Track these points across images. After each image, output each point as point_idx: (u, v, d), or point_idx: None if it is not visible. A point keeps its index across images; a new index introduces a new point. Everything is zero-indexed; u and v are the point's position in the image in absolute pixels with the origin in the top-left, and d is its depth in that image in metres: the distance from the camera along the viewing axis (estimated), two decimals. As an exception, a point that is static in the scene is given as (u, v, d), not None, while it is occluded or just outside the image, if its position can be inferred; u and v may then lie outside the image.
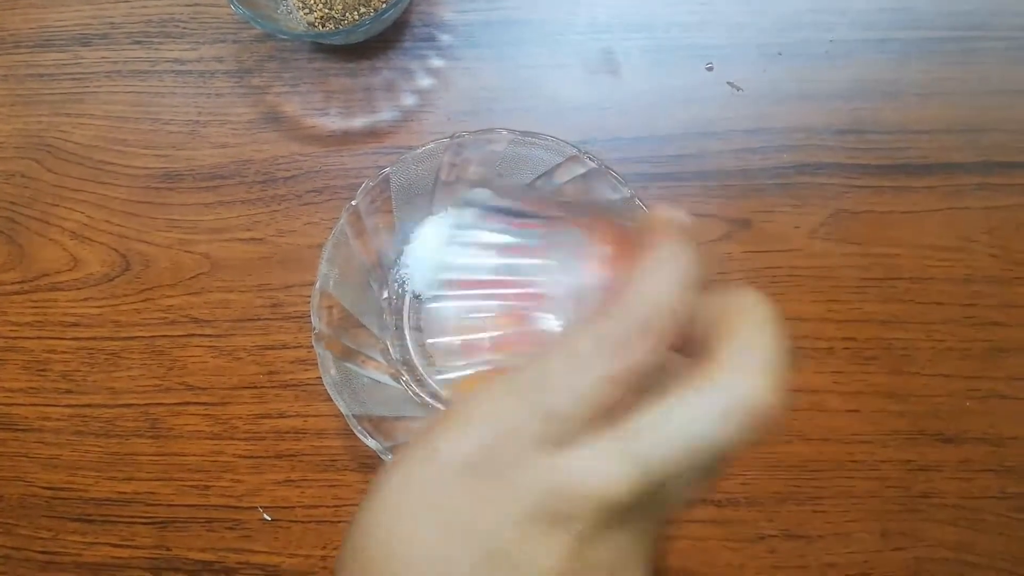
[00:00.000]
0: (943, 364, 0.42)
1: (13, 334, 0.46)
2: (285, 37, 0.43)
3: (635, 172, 0.44)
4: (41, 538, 0.44)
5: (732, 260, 0.43)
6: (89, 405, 0.45)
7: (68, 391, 0.45)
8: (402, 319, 0.43)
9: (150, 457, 0.44)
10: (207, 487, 0.44)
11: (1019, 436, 0.41)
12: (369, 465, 0.43)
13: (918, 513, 0.41)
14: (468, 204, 0.21)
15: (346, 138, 0.46)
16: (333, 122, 0.46)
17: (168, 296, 0.45)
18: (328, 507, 0.43)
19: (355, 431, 0.37)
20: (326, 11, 0.46)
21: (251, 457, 0.44)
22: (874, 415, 0.42)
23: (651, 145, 0.45)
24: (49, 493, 0.45)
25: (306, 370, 0.44)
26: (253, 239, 0.45)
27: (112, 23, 0.48)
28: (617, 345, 0.17)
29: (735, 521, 0.41)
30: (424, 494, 0.17)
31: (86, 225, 0.46)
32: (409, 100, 0.46)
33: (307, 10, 0.46)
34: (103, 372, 0.45)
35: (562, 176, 0.41)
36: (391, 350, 0.42)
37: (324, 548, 0.43)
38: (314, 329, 0.39)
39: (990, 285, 0.43)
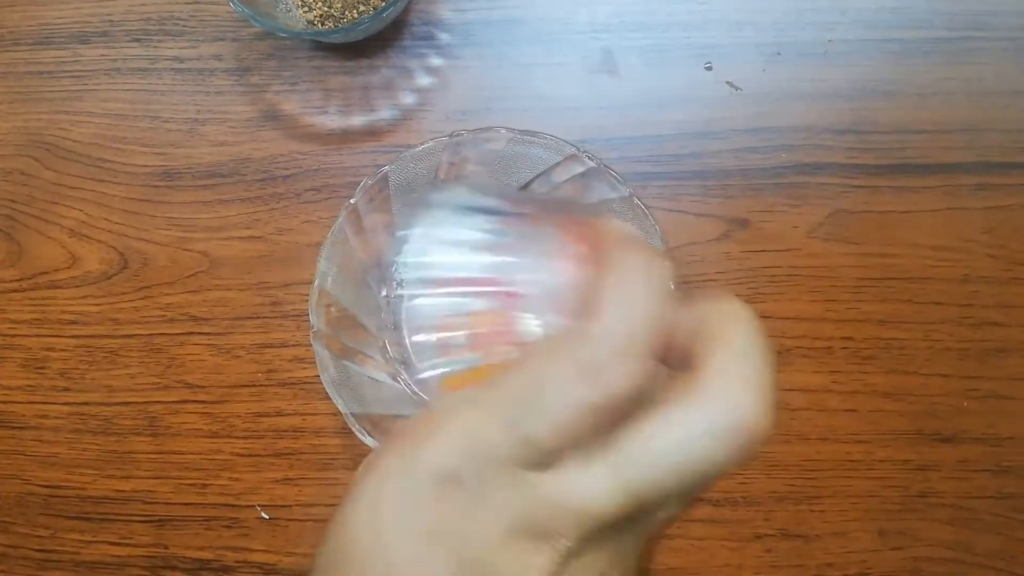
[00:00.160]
0: (941, 364, 0.42)
1: (11, 332, 0.46)
2: (284, 35, 0.43)
3: (634, 171, 0.44)
4: (39, 536, 0.44)
5: (731, 260, 0.43)
6: (87, 403, 0.45)
7: (66, 389, 0.45)
8: (400, 317, 0.43)
9: (148, 455, 0.44)
10: (205, 485, 0.44)
11: (1017, 436, 0.41)
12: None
13: (916, 513, 0.41)
14: (442, 203, 0.21)
15: (345, 136, 0.46)
16: (332, 120, 0.46)
17: (167, 294, 0.45)
18: (326, 506, 0.43)
19: (353, 429, 0.37)
20: (325, 9, 0.46)
21: (249, 455, 0.44)
22: (872, 415, 0.42)
23: (650, 144, 0.45)
24: (47, 491, 0.45)
25: (304, 368, 0.44)
26: (252, 237, 0.45)
27: (111, 21, 0.48)
28: (596, 371, 0.16)
29: (733, 520, 0.41)
30: (404, 502, 0.17)
31: (85, 223, 0.46)
32: (408, 99, 0.46)
33: (306, 8, 0.46)
34: (101, 370, 0.45)
35: (561, 175, 0.41)
36: (389, 348, 0.42)
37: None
38: (312, 327, 0.39)
39: (988, 285, 0.43)
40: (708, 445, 0.16)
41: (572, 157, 0.40)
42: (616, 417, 0.17)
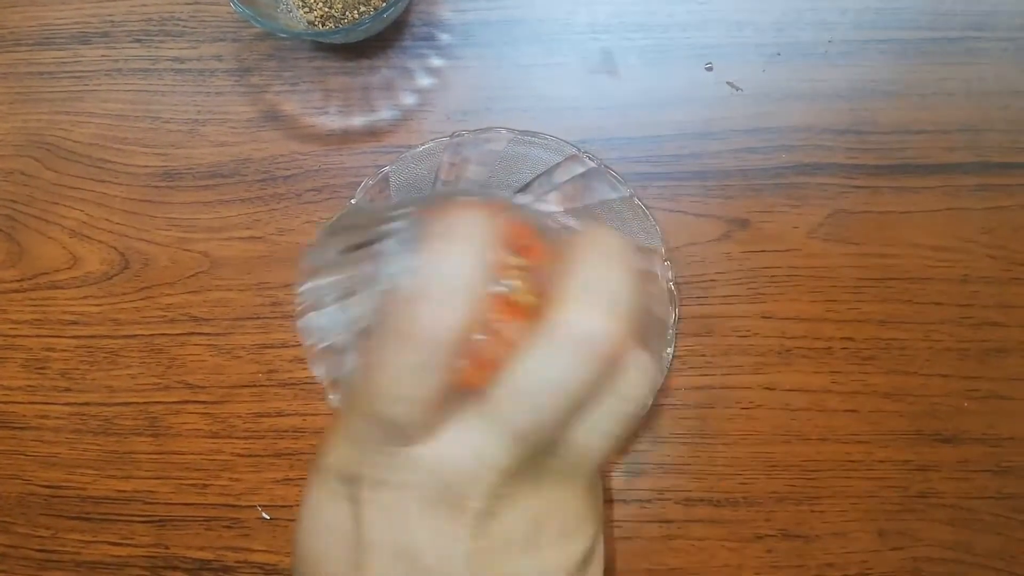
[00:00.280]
0: (941, 364, 0.42)
1: (12, 332, 0.46)
2: (285, 36, 0.43)
3: (634, 171, 0.44)
4: (39, 536, 0.44)
5: (731, 260, 0.43)
6: (88, 403, 0.45)
7: (67, 389, 0.45)
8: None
9: (149, 455, 0.44)
10: (206, 486, 0.44)
11: (1017, 436, 0.41)
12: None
13: (916, 513, 0.41)
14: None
15: (345, 137, 0.46)
16: (333, 121, 0.46)
17: (167, 294, 0.45)
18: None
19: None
20: (326, 10, 0.46)
21: (250, 456, 0.44)
22: (872, 415, 0.42)
23: (650, 144, 0.45)
24: (47, 491, 0.45)
25: (305, 369, 0.44)
26: (252, 237, 0.45)
27: (112, 21, 0.48)
28: (413, 333, 0.16)
29: (733, 521, 0.41)
30: (319, 510, 0.18)
31: (85, 223, 0.46)
32: (408, 99, 0.46)
33: (307, 9, 0.46)
34: (102, 370, 0.45)
35: (561, 175, 0.41)
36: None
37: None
38: (313, 328, 0.39)
39: (988, 285, 0.43)
40: (560, 363, 0.16)
41: (573, 157, 0.40)
42: (485, 368, 0.17)
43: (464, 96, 0.46)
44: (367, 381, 0.17)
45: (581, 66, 0.46)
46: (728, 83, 0.45)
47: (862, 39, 0.45)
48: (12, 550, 0.44)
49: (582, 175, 0.40)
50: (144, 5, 0.48)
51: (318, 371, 0.21)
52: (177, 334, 0.45)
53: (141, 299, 0.45)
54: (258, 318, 0.45)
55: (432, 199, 0.23)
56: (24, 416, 0.45)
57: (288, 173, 0.46)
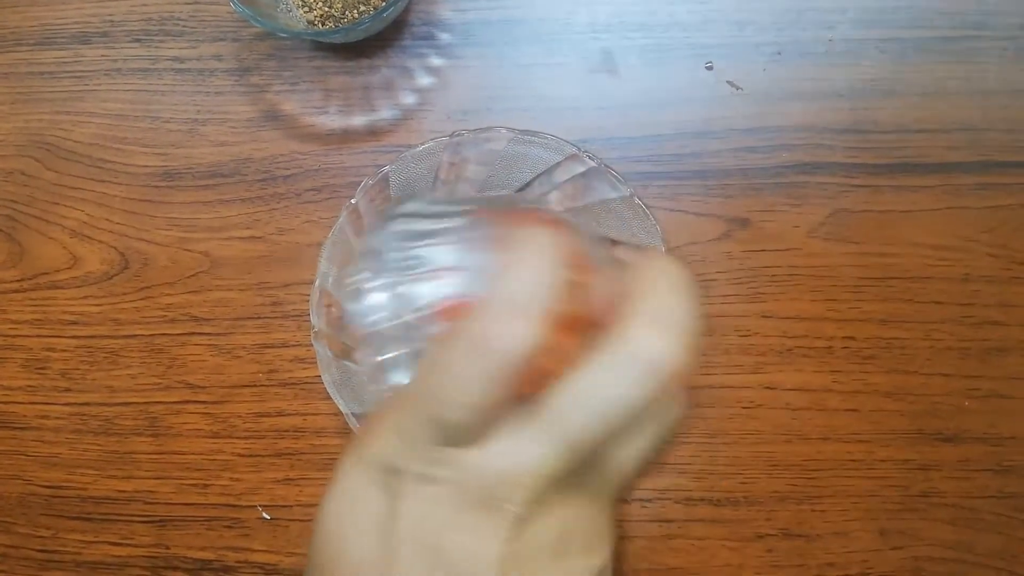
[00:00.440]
0: (942, 363, 0.42)
1: (12, 332, 0.46)
2: (285, 35, 0.43)
3: (634, 171, 0.44)
4: (40, 536, 0.44)
5: (731, 259, 0.43)
6: (88, 403, 0.45)
7: (67, 389, 0.45)
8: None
9: (149, 455, 0.44)
10: (206, 486, 0.44)
11: (1018, 435, 0.41)
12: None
13: (917, 512, 0.41)
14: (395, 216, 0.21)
15: (345, 136, 0.46)
16: (332, 120, 0.46)
17: (167, 294, 0.45)
18: None
19: (354, 430, 0.37)
20: (326, 9, 0.46)
21: (250, 456, 0.44)
22: (873, 414, 0.42)
23: (650, 144, 0.45)
24: (48, 491, 0.45)
25: (305, 368, 0.44)
26: (252, 237, 0.45)
27: (112, 21, 0.48)
28: (487, 342, 0.17)
29: (734, 520, 0.41)
30: (354, 495, 0.18)
31: (86, 223, 0.46)
32: (408, 98, 0.46)
33: (307, 8, 0.46)
34: (102, 370, 0.45)
35: (561, 175, 0.41)
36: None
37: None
38: (313, 327, 0.39)
39: (989, 284, 0.43)
40: (624, 384, 0.17)
41: (573, 157, 0.40)
42: (536, 379, 0.17)
43: (464, 95, 0.46)
44: (431, 382, 0.18)
45: (581, 65, 0.46)
46: (728, 82, 0.45)
47: (862, 38, 0.45)
48: (13, 550, 0.44)
49: (582, 174, 0.40)
50: (144, 5, 0.48)
51: (362, 355, 0.22)
52: (177, 334, 0.45)
53: (141, 299, 0.45)
54: (258, 318, 0.45)
55: (495, 203, 0.23)
56: (24, 416, 0.45)
57: (288, 173, 0.46)
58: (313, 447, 0.43)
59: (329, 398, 0.38)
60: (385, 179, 0.41)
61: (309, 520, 0.43)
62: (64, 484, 0.45)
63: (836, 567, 0.41)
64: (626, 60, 0.46)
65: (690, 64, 0.45)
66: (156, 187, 0.46)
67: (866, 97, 0.45)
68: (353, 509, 0.18)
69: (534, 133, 0.40)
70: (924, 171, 0.44)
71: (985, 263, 0.43)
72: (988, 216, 0.43)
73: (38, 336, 0.46)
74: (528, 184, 0.42)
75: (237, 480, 0.44)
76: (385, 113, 0.46)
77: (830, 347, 0.42)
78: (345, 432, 0.42)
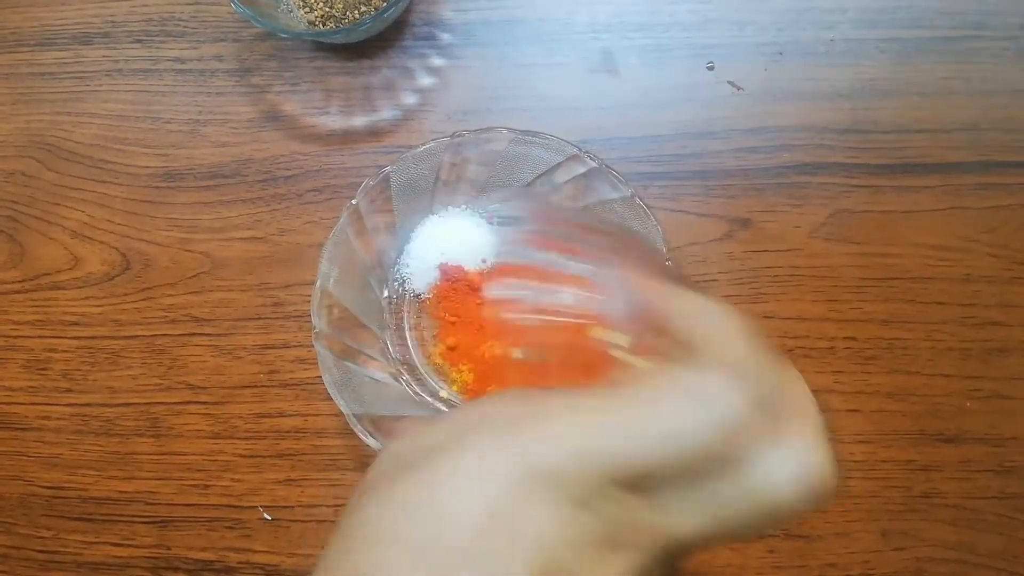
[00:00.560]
0: (943, 364, 0.42)
1: (14, 333, 0.46)
2: (285, 36, 0.43)
3: (635, 171, 0.44)
4: (41, 537, 0.44)
5: (732, 260, 0.43)
6: (89, 404, 0.45)
7: (68, 390, 0.45)
8: (402, 318, 0.43)
9: (150, 456, 0.44)
10: (207, 486, 0.44)
11: (1019, 436, 0.41)
12: (369, 464, 0.43)
13: (918, 513, 0.41)
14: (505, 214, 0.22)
15: (346, 137, 0.46)
16: (333, 121, 0.46)
17: (168, 295, 0.45)
18: (328, 506, 0.43)
19: (355, 430, 0.37)
20: (326, 10, 0.46)
21: (251, 456, 0.44)
22: (874, 415, 0.42)
23: (651, 144, 0.45)
24: (49, 492, 0.45)
25: (306, 369, 0.44)
26: (253, 238, 0.45)
27: (113, 22, 0.48)
28: (716, 410, 0.18)
29: (735, 521, 0.41)
30: (491, 488, 0.17)
31: (87, 224, 0.46)
32: (409, 99, 0.46)
33: (307, 9, 0.46)
34: (103, 371, 0.45)
35: (562, 175, 0.41)
36: (391, 349, 0.42)
37: (324, 548, 0.43)
38: (314, 328, 0.39)
39: (990, 285, 0.42)
40: (791, 493, 0.18)
41: (574, 157, 0.40)
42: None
43: (465, 96, 0.46)
44: (642, 408, 0.18)
45: (582, 66, 0.46)
46: (729, 82, 0.45)
47: (863, 38, 0.45)
48: (14, 551, 0.44)
49: (583, 175, 0.40)
50: (145, 5, 0.48)
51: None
52: (178, 335, 0.45)
53: (142, 300, 0.45)
54: (259, 318, 0.45)
55: (612, 233, 0.23)
56: (26, 417, 0.45)
57: (289, 173, 0.46)
58: (314, 448, 0.43)
59: (330, 399, 0.38)
60: (386, 180, 0.41)
61: (310, 521, 0.43)
62: (65, 485, 0.45)
63: (838, 568, 0.40)
64: (626, 60, 0.46)
65: (691, 64, 0.45)
66: (157, 188, 0.46)
67: (867, 97, 0.45)
68: (483, 494, 0.16)
69: (535, 134, 0.40)
70: (925, 171, 0.44)
71: (986, 263, 0.43)
72: (989, 216, 0.43)
73: (39, 337, 0.46)
74: (529, 185, 0.42)
75: (238, 481, 0.44)
76: (386, 113, 0.46)
77: (831, 348, 0.42)
78: (346, 433, 0.42)
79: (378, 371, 0.40)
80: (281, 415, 0.44)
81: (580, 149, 0.39)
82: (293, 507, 0.43)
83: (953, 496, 0.41)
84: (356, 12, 0.45)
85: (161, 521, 0.44)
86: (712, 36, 0.45)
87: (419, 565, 0.16)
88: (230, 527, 0.43)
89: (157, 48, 0.47)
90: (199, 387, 0.44)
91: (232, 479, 0.44)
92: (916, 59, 0.44)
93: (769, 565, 0.41)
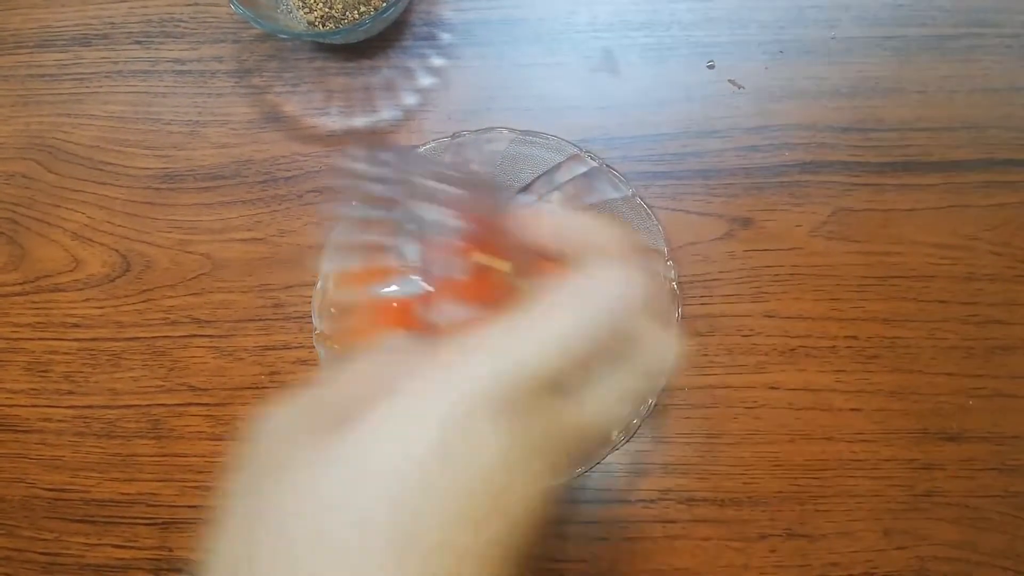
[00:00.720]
0: (946, 362, 0.42)
1: (14, 335, 0.46)
2: (285, 37, 0.43)
3: (636, 171, 0.44)
4: (43, 539, 0.44)
5: (734, 259, 0.43)
6: (91, 406, 0.45)
7: (69, 392, 0.45)
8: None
9: (152, 458, 0.44)
10: (209, 488, 0.44)
11: (1022, 435, 0.41)
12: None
13: (921, 512, 0.41)
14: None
15: (347, 138, 0.46)
16: (334, 121, 0.46)
17: (169, 297, 0.45)
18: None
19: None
20: (326, 10, 0.46)
21: (253, 457, 0.44)
22: (877, 414, 0.42)
23: (652, 143, 0.44)
24: (51, 494, 0.45)
25: (308, 370, 0.44)
26: (254, 239, 0.45)
27: (112, 23, 0.48)
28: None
29: (737, 520, 0.41)
30: (470, 430, 0.18)
31: (87, 226, 0.46)
32: (409, 99, 0.46)
33: (307, 9, 0.46)
34: (104, 373, 0.45)
35: (563, 175, 0.41)
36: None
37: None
38: (315, 329, 0.39)
39: (993, 283, 0.42)
40: (668, 365, 0.22)
41: (574, 157, 0.40)
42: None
43: (465, 96, 0.46)
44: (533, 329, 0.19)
45: (582, 65, 0.46)
46: (730, 81, 0.45)
47: (865, 36, 0.45)
48: (16, 553, 0.44)
49: (584, 175, 0.40)
50: (144, 7, 0.48)
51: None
52: (179, 336, 0.45)
53: (143, 301, 0.45)
54: (260, 320, 0.44)
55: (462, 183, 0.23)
56: (27, 419, 0.45)
57: (289, 174, 0.46)
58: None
59: (331, 400, 0.38)
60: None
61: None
62: (67, 487, 0.45)
63: (840, 567, 0.40)
64: (627, 59, 0.45)
65: (692, 63, 0.45)
66: (157, 189, 0.46)
67: (868, 95, 0.44)
68: (465, 441, 0.17)
69: (535, 133, 0.40)
70: (927, 169, 0.44)
71: (989, 261, 0.42)
72: (992, 214, 0.43)
73: (40, 339, 0.46)
74: (530, 184, 0.42)
75: (240, 482, 0.43)
76: (386, 114, 0.46)
77: (833, 347, 0.42)
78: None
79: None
80: (282, 416, 0.44)
81: (581, 149, 0.39)
82: (295, 508, 0.43)
83: (956, 495, 0.41)
84: (356, 12, 0.45)
85: (163, 523, 0.44)
86: (713, 34, 0.45)
87: (377, 513, 0.16)
88: (232, 528, 0.43)
89: (156, 49, 0.47)
90: (200, 389, 0.44)
91: (234, 480, 0.44)
92: (918, 57, 0.44)
93: (771, 564, 0.41)
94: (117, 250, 0.46)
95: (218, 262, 0.45)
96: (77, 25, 0.48)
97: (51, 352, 0.46)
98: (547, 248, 0.21)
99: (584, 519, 0.41)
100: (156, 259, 0.46)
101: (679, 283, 0.37)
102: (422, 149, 0.40)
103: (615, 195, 0.40)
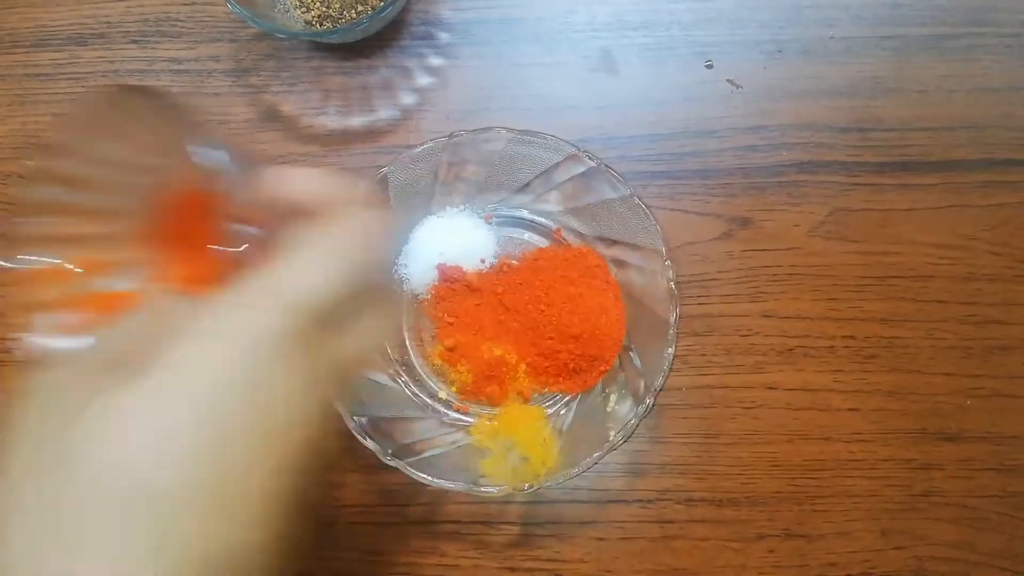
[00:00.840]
0: (944, 362, 0.42)
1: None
2: (282, 36, 0.43)
3: (634, 170, 0.44)
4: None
5: (732, 259, 0.43)
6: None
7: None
8: (400, 319, 0.43)
9: None
10: None
11: (1020, 435, 0.41)
12: (368, 466, 0.43)
13: (919, 512, 0.41)
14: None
15: (344, 137, 0.46)
16: (331, 121, 0.46)
17: (166, 297, 0.45)
18: (326, 507, 0.43)
19: (353, 432, 0.37)
20: (323, 9, 0.45)
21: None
22: (875, 414, 0.42)
23: (650, 143, 0.44)
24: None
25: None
26: (251, 239, 0.45)
27: (109, 22, 0.48)
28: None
29: (735, 521, 0.41)
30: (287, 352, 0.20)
31: (84, 226, 0.46)
32: (407, 99, 0.46)
33: (304, 8, 0.46)
34: (102, 373, 0.45)
35: (561, 175, 0.41)
36: (389, 351, 0.42)
37: (323, 549, 0.43)
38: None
39: (991, 283, 0.42)
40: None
41: (572, 157, 0.40)
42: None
43: (463, 95, 0.46)
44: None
45: (580, 65, 0.45)
46: (728, 81, 0.45)
47: (863, 36, 0.45)
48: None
49: (582, 174, 0.40)
50: (141, 6, 0.48)
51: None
52: (177, 336, 0.45)
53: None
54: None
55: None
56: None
57: (287, 174, 0.45)
58: (313, 449, 0.43)
59: (329, 400, 0.38)
60: (384, 180, 0.40)
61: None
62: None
63: (838, 567, 0.40)
64: (625, 59, 0.45)
65: (690, 63, 0.45)
66: (154, 189, 0.46)
67: (867, 95, 0.44)
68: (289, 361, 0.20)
69: (533, 133, 0.40)
70: (926, 169, 0.44)
71: (987, 261, 0.42)
72: (990, 214, 0.43)
73: (37, 339, 0.46)
74: (527, 184, 0.42)
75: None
76: (384, 113, 0.46)
77: (831, 346, 0.42)
78: (345, 433, 0.42)
79: (376, 373, 0.40)
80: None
81: (579, 148, 0.39)
82: (292, 509, 0.43)
83: (954, 495, 0.41)
84: (353, 11, 0.45)
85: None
86: (711, 34, 0.45)
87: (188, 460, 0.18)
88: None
89: (153, 49, 0.47)
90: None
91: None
92: (917, 56, 0.44)
93: (769, 564, 0.41)
94: (114, 250, 0.46)
95: (215, 262, 0.45)
96: (73, 24, 0.48)
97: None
98: (297, 204, 0.23)
99: (582, 519, 0.41)
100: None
101: (677, 283, 0.37)
102: (419, 149, 0.40)
103: (613, 195, 0.40)
